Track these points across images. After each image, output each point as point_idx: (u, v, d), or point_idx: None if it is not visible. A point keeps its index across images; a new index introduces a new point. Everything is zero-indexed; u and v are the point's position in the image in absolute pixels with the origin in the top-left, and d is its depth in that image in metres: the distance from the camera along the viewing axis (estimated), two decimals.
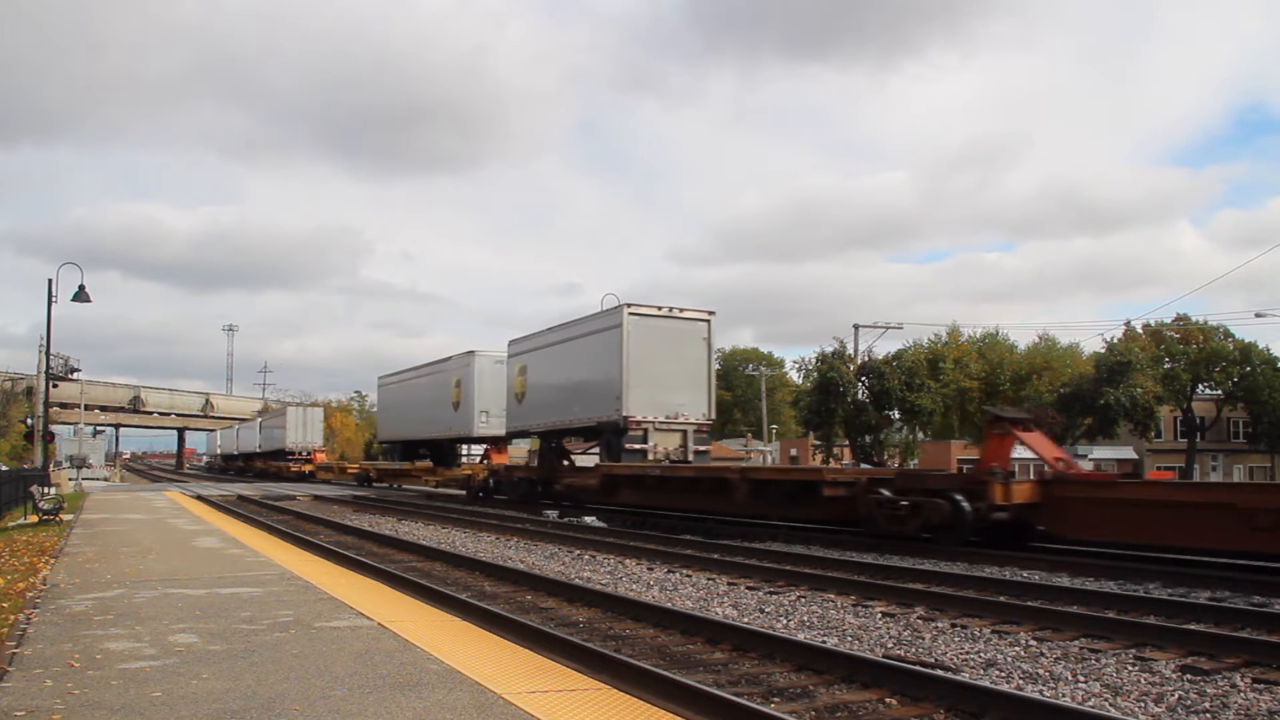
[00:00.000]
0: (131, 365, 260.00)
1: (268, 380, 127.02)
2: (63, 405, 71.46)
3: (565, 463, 27.94)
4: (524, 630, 8.13)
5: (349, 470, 53.42)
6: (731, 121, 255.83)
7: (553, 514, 25.27)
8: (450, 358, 36.58)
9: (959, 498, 14.38)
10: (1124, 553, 13.39)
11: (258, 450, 71.03)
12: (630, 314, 23.14)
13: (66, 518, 21.48)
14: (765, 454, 73.69)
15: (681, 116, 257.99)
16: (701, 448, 23.69)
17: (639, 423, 22.74)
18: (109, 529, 18.13)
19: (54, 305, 31.72)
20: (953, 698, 6.16)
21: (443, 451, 39.82)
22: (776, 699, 6.49)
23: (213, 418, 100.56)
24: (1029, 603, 9.99)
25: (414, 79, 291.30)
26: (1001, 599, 10.25)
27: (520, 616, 9.01)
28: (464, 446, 39.54)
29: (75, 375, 66.79)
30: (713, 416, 24.15)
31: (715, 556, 14.48)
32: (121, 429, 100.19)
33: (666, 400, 23.18)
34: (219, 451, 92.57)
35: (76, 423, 72.15)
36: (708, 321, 24.12)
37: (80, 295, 31.48)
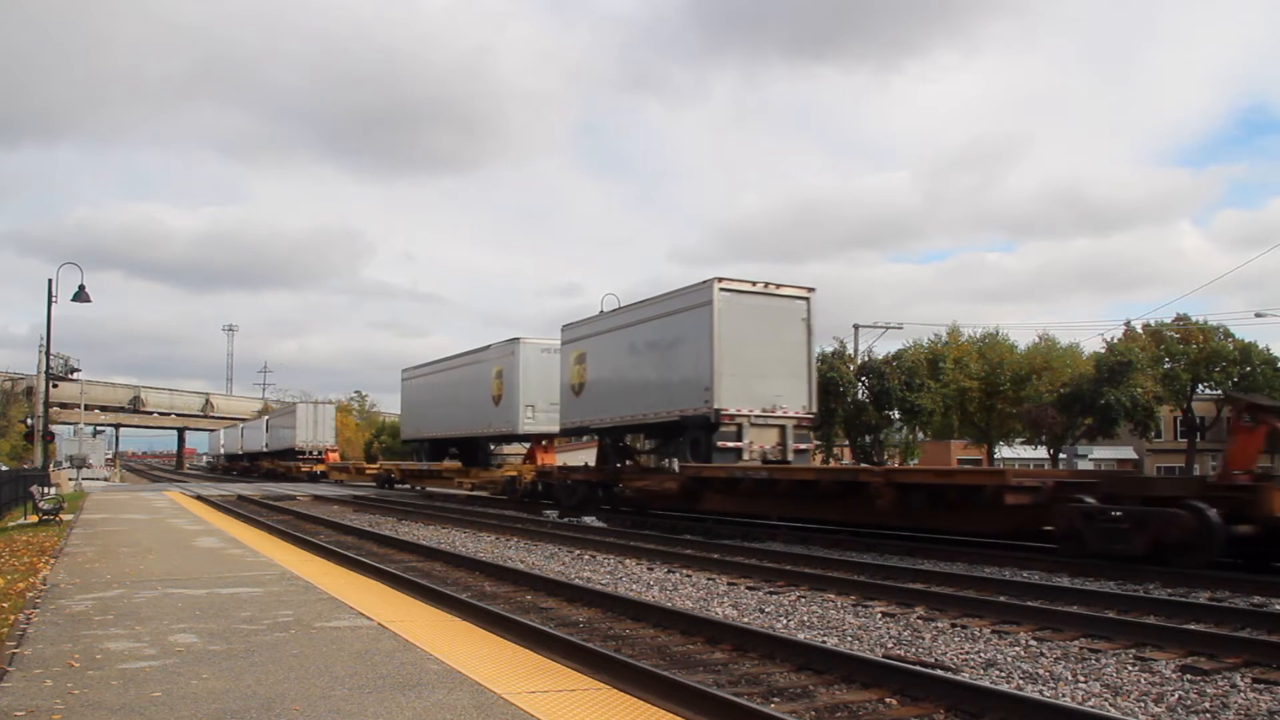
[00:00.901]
0: (132, 365, 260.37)
1: (268, 380, 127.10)
2: (63, 405, 71.51)
3: (629, 462, 24.93)
4: (524, 630, 8.13)
5: (367, 471, 50.19)
6: (734, 122, 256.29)
7: (552, 514, 25.21)
8: (489, 346, 32.64)
9: (1202, 507, 11.81)
10: None
11: (265, 450, 68.47)
12: (722, 290, 19.93)
13: (66, 518, 21.47)
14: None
15: (684, 117, 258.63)
16: (802, 446, 20.71)
17: (733, 417, 19.63)
18: (109, 529, 18.13)
19: (54, 305, 31.71)
20: (953, 698, 6.16)
21: (475, 451, 36.48)
22: (776, 699, 6.49)
23: (213, 418, 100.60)
24: (1029, 603, 9.99)
25: (416, 79, 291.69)
26: (1001, 599, 10.25)
27: (520, 616, 9.01)
28: (500, 445, 36.69)
29: (75, 375, 66.77)
30: (814, 410, 21.11)
31: (715, 556, 14.48)
32: (121, 429, 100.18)
33: (763, 391, 20.08)
34: (222, 451, 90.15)
35: (76, 423, 72.16)
36: (807, 299, 20.97)
37: (80, 295, 31.46)
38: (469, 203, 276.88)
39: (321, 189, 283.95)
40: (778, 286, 20.70)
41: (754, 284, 20.46)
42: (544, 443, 30.73)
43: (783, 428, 20.29)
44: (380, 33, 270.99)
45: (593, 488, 24.64)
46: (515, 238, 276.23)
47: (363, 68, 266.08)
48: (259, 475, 66.91)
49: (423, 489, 40.08)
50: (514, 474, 29.83)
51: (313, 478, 56.61)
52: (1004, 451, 53.04)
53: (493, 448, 36.81)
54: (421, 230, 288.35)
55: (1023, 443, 51.41)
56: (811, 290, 21.08)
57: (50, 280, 31.25)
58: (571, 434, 28.32)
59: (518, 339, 30.45)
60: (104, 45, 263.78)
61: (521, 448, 35.40)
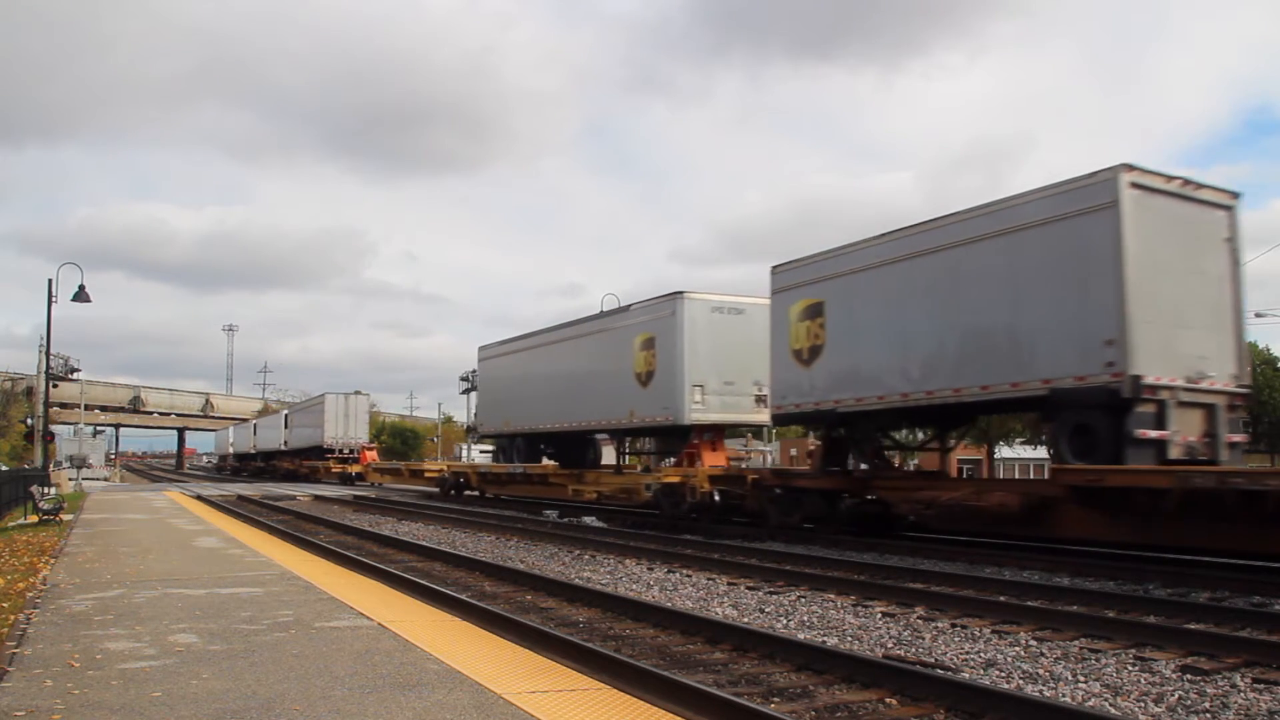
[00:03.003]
0: (134, 365, 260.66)
1: (268, 380, 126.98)
2: (63, 405, 71.51)
3: (876, 462, 18.33)
4: (524, 630, 8.13)
5: (427, 473, 40.40)
6: (738, 122, 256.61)
7: (552, 514, 25.18)
8: (628, 307, 24.03)
9: None
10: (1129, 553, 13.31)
11: (283, 448, 62.14)
12: (1133, 185, 13.00)
13: (66, 518, 21.47)
14: (765, 454, 73.66)
15: (688, 117, 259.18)
16: (1235, 437, 13.85)
17: (1154, 390, 12.71)
18: (109, 529, 18.12)
19: (55, 305, 31.71)
20: (953, 698, 6.16)
21: (578, 448, 28.74)
22: (776, 699, 6.49)
23: (213, 417, 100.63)
24: (1029, 603, 9.99)
25: (421, 80, 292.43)
26: (1001, 599, 10.25)
27: (520, 616, 9.01)
28: (631, 441, 28.14)
29: (75, 375, 66.81)
30: (1248, 381, 14.24)
31: (715, 556, 14.48)
32: (121, 429, 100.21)
33: (1185, 349, 13.27)
34: (231, 450, 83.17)
35: (76, 423, 72.11)
36: (1230, 209, 14.08)
37: (80, 295, 31.45)
38: (472, 203, 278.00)
39: (325, 189, 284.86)
40: (1196, 187, 13.81)
41: (1170, 179, 13.58)
42: (709, 436, 22.20)
43: (1211, 408, 13.44)
44: (385, 33, 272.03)
45: (831, 498, 17.57)
46: (518, 238, 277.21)
47: (367, 68, 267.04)
48: (278, 477, 61.50)
49: (495, 497, 32.49)
50: (676, 479, 21.08)
51: (345, 479, 50.52)
52: (1004, 452, 52.99)
53: (605, 443, 29.58)
54: (424, 230, 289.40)
55: (1023, 443, 51.37)
56: (1236, 196, 14.21)
57: (50, 280, 31.28)
58: (792, 422, 21.24)
59: (680, 293, 21.70)
60: (108, 45, 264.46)
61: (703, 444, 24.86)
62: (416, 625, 7.74)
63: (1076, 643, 8.15)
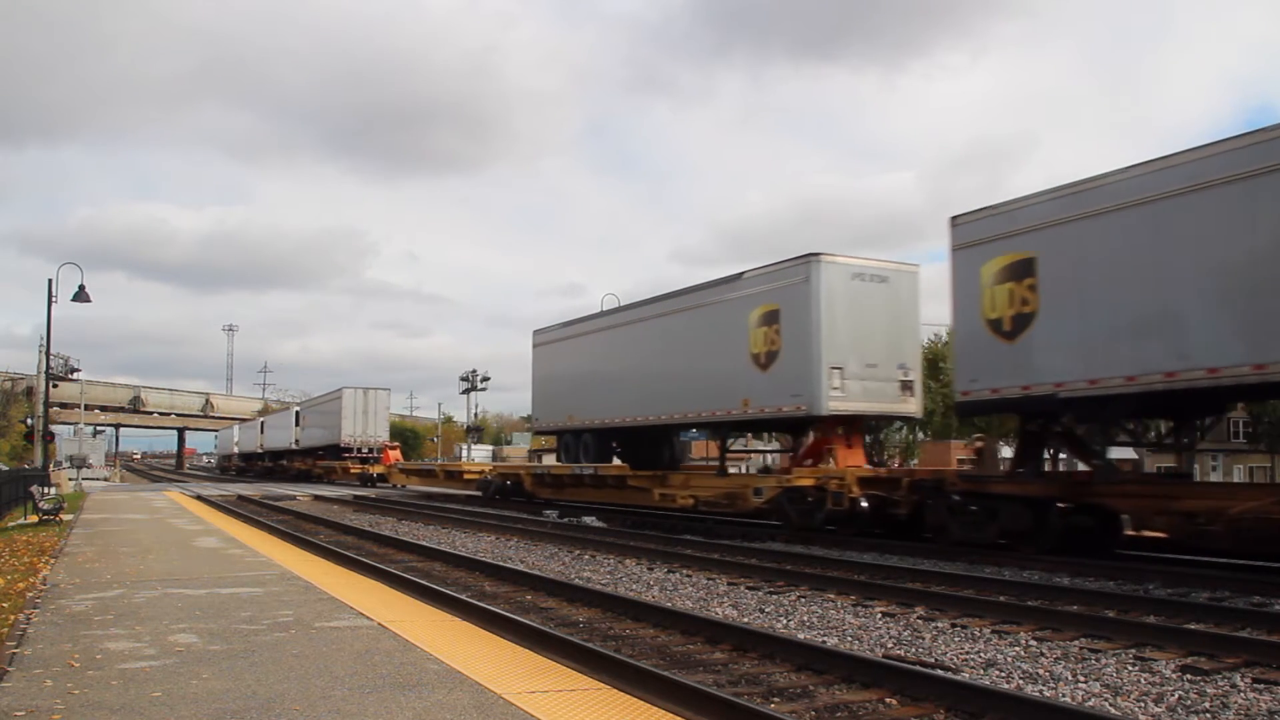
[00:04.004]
0: (134, 365, 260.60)
1: (268, 380, 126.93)
2: (63, 405, 71.54)
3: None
4: (524, 630, 8.13)
5: (466, 475, 35.49)
6: (740, 122, 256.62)
7: (552, 514, 25.15)
8: (741, 275, 19.86)
9: None
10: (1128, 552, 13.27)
11: (294, 447, 58.41)
12: None
13: (66, 518, 21.47)
14: (766, 454, 73.64)
15: (690, 117, 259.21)
16: None
17: None
18: (109, 529, 18.13)
19: (55, 305, 31.73)
20: (953, 698, 6.16)
21: (656, 446, 24.81)
22: (776, 699, 6.49)
23: (212, 417, 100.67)
24: (1029, 603, 9.99)
25: (421, 80, 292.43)
26: (1001, 599, 10.26)
27: (520, 616, 9.01)
28: (738, 437, 24.35)
29: (75, 375, 66.83)
30: None
31: (715, 556, 14.48)
32: (121, 429, 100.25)
33: None
34: (236, 450, 79.91)
35: (76, 423, 72.12)
36: None
37: (80, 295, 31.46)
38: (473, 203, 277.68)
39: (325, 189, 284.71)
40: None
41: None
42: (842, 430, 18.49)
43: None
44: (386, 32, 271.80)
45: (1036, 508, 13.86)
46: (519, 238, 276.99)
47: (368, 68, 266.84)
48: (288, 478, 58.05)
49: (547, 502, 28.02)
50: (809, 481, 17.45)
51: (366, 481, 46.99)
52: (1004, 452, 53.00)
53: (691, 441, 25.81)
54: (425, 231, 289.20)
55: None
56: None
57: (50, 280, 31.29)
58: (986, 411, 17.22)
59: (815, 256, 17.91)
60: (108, 45, 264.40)
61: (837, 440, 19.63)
62: (416, 625, 7.74)
63: (1076, 643, 8.15)
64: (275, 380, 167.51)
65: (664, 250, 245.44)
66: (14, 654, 6.51)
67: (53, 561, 12.57)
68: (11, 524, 21.75)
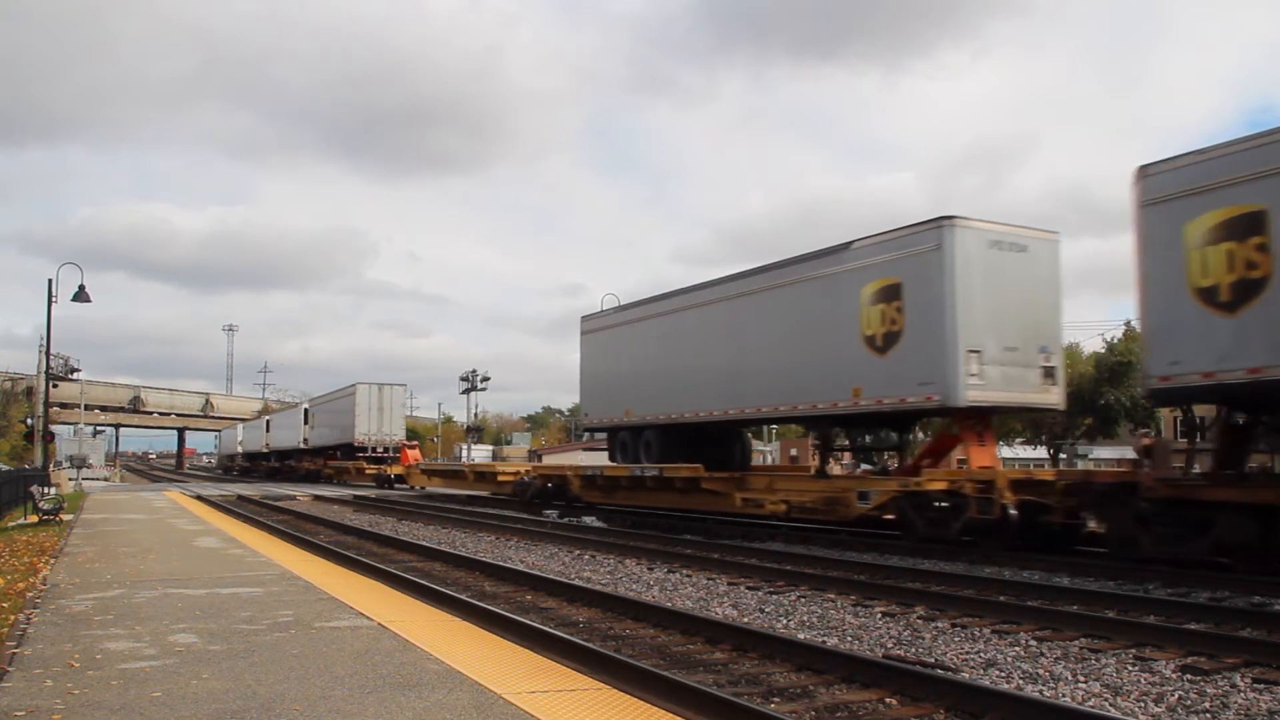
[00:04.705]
0: (135, 365, 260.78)
1: (268, 380, 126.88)
2: (63, 405, 71.52)
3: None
4: (524, 630, 8.13)
5: (500, 476, 31.89)
6: (741, 122, 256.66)
7: (553, 514, 25.13)
8: (849, 245, 17.11)
9: None
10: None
11: (302, 446, 56.31)
12: None
13: (66, 518, 21.47)
14: (765, 453, 73.66)
15: (691, 117, 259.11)
16: None
17: None
18: (109, 529, 18.13)
19: (55, 305, 31.72)
20: (953, 698, 6.16)
21: (724, 444, 22.53)
22: (776, 699, 6.49)
23: (213, 417, 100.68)
24: (1029, 603, 9.99)
25: (423, 80, 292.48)
26: (1001, 599, 10.26)
27: (520, 616, 9.01)
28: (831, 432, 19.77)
29: (75, 375, 66.82)
30: None
31: (715, 556, 14.48)
32: (121, 429, 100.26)
33: None
34: (240, 450, 77.93)
35: (76, 423, 72.15)
36: None
37: (80, 295, 31.45)
38: (474, 203, 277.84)
39: (327, 189, 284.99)
40: None
41: None
42: (982, 428, 16.20)
43: None
44: (387, 33, 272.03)
45: (1263, 518, 11.49)
46: (520, 238, 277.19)
47: (369, 68, 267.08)
48: (296, 479, 55.95)
49: (590, 506, 24.90)
50: (942, 485, 15.09)
51: (382, 482, 44.30)
52: (1004, 451, 53.01)
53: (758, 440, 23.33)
54: (426, 231, 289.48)
55: (1023, 443, 51.41)
56: None
57: (50, 280, 31.29)
58: (1194, 400, 13.97)
59: (949, 219, 15.36)
60: (110, 46, 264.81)
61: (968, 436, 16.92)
62: (416, 625, 7.74)
63: (1076, 643, 8.15)
64: (275, 380, 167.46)
65: (665, 250, 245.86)
66: (14, 654, 6.51)
67: (53, 561, 12.57)
68: (11, 524, 21.75)
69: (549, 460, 49.43)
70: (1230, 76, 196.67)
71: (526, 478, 28.47)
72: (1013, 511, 13.75)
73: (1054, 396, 16.11)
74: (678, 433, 22.16)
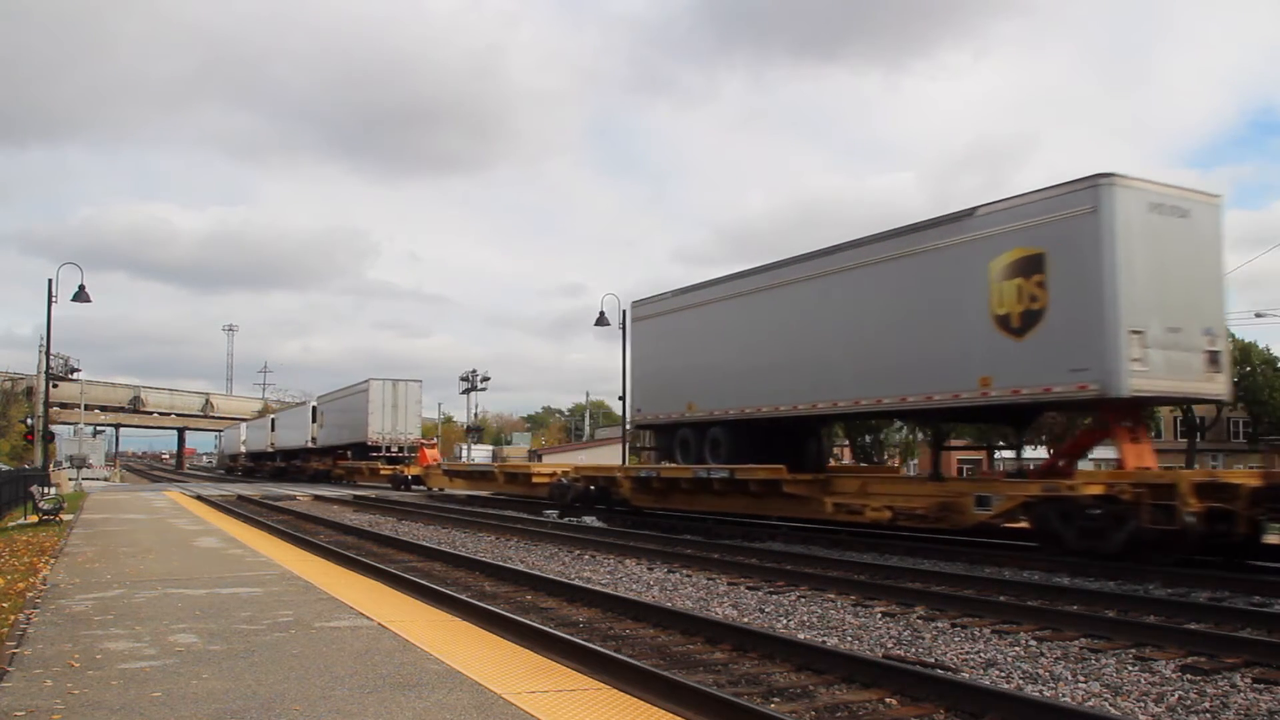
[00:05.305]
0: (135, 365, 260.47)
1: (268, 380, 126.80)
2: (63, 405, 71.52)
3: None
4: (524, 630, 8.13)
5: (535, 478, 29.33)
6: (742, 122, 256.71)
7: (553, 514, 25.12)
8: (974, 211, 14.86)
9: None
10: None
11: (310, 446, 54.45)
12: None
13: (66, 518, 21.47)
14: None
15: (692, 117, 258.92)
16: None
17: None
18: (109, 529, 18.13)
19: (55, 305, 31.77)
20: (953, 698, 6.16)
21: (795, 442, 19.72)
22: (776, 699, 6.49)
23: (213, 417, 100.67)
24: (1029, 603, 9.99)
25: (424, 80, 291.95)
26: (1001, 599, 10.26)
27: (520, 616, 9.01)
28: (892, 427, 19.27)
29: (75, 375, 66.85)
30: None
31: (715, 556, 14.48)
32: (121, 429, 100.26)
33: None
34: (243, 449, 76.03)
35: (76, 423, 72.13)
36: None
37: (80, 295, 31.49)
38: (475, 203, 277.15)
39: (327, 189, 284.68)
40: None
41: None
42: (1127, 417, 13.97)
43: None
44: (388, 32, 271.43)
45: None
46: (520, 238, 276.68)
47: (370, 68, 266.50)
48: (304, 479, 53.95)
49: (635, 511, 22.37)
50: (1098, 489, 12.74)
51: (399, 483, 41.27)
52: (1005, 452, 52.96)
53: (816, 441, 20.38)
54: (427, 231, 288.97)
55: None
56: None
57: (50, 280, 31.30)
58: None
59: (1107, 177, 13.11)
60: (110, 45, 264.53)
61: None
62: (416, 625, 7.74)
63: (1076, 643, 8.15)
64: (275, 380, 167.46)
65: (665, 250, 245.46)
66: (14, 654, 6.51)
67: (53, 561, 12.57)
68: (11, 524, 21.76)
69: (549, 460, 49.30)
70: (1231, 77, 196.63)
71: (565, 479, 25.80)
72: (1191, 519, 11.78)
73: (1219, 386, 14.07)
74: (747, 430, 19.78)
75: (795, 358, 17.99)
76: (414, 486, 40.00)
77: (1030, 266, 13.78)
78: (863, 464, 46.02)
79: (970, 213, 14.84)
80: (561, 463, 33.03)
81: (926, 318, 15.32)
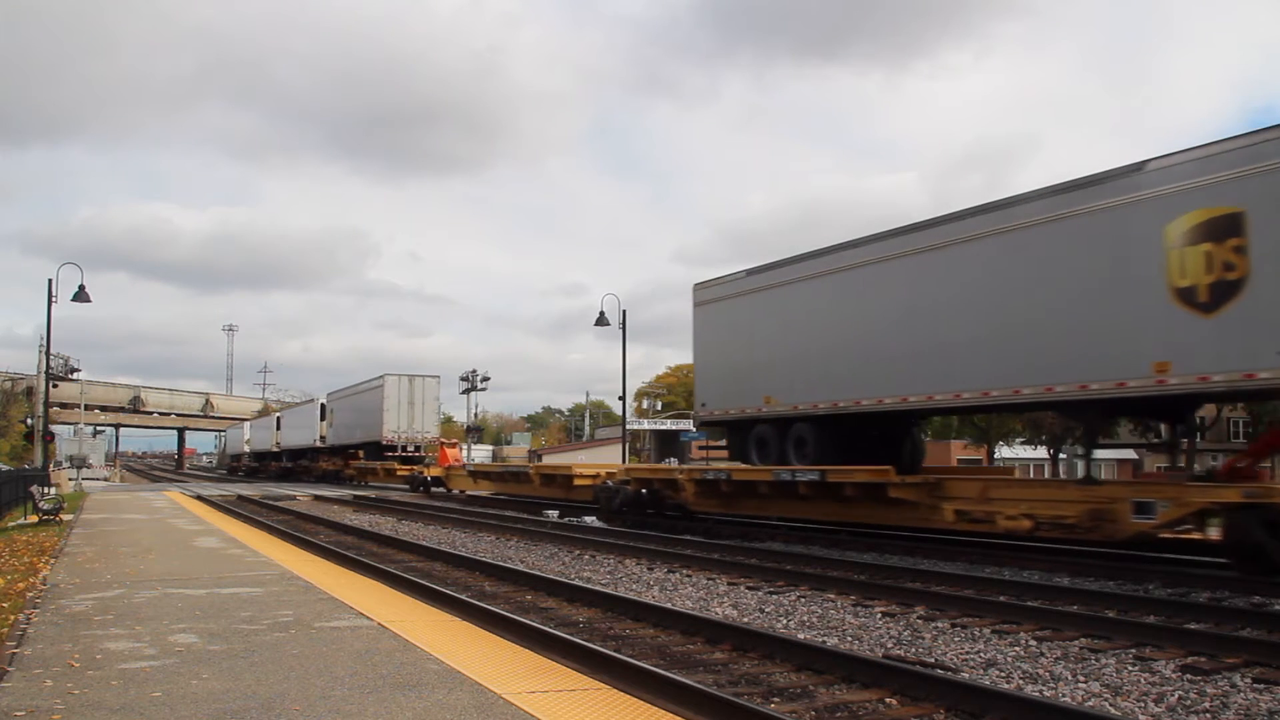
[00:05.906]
0: (134, 365, 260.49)
1: (268, 380, 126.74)
2: (63, 405, 71.50)
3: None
4: (524, 630, 8.13)
5: (578, 480, 26.30)
6: (744, 122, 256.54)
7: (553, 514, 25.13)
8: (1144, 165, 12.41)
9: None
10: (1130, 552, 13.26)
11: (319, 445, 52.41)
12: None
13: (66, 518, 21.48)
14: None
15: (694, 117, 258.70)
16: None
17: None
18: (109, 529, 18.13)
19: (55, 305, 31.78)
20: (953, 698, 6.16)
21: (887, 440, 17.65)
22: (776, 699, 6.49)
23: (213, 417, 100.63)
24: (1029, 603, 9.99)
25: (425, 80, 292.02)
26: (1001, 599, 10.26)
27: (520, 616, 9.01)
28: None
29: (75, 375, 66.81)
30: None
31: (715, 556, 14.48)
32: (121, 429, 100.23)
33: None
34: (247, 449, 73.85)
35: (76, 423, 72.11)
36: None
37: (80, 295, 31.49)
38: (477, 204, 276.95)
39: (329, 189, 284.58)
40: None
41: None
42: None
43: None
44: (389, 33, 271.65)
45: None
46: (522, 238, 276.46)
47: (371, 68, 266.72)
48: (312, 480, 51.84)
49: (697, 517, 20.37)
50: None
51: (417, 485, 38.12)
52: (1004, 452, 53.02)
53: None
54: (428, 231, 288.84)
55: (1023, 443, 51.41)
56: None
57: (50, 280, 31.30)
58: None
59: None
60: (112, 46, 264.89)
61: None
62: (416, 625, 7.74)
63: (1076, 643, 8.15)
64: (275, 380, 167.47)
65: (666, 251, 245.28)
66: (14, 654, 6.51)
67: (53, 561, 12.57)
68: (11, 524, 21.76)
69: (550, 460, 49.26)
70: (1232, 77, 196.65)
71: (612, 482, 22.78)
72: None
73: None
74: (835, 426, 17.39)
75: (907, 342, 15.39)
76: (434, 489, 37.08)
77: (1224, 229, 11.41)
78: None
79: (1139, 167, 12.48)
80: (606, 463, 30.06)
81: (1082, 293, 12.97)
